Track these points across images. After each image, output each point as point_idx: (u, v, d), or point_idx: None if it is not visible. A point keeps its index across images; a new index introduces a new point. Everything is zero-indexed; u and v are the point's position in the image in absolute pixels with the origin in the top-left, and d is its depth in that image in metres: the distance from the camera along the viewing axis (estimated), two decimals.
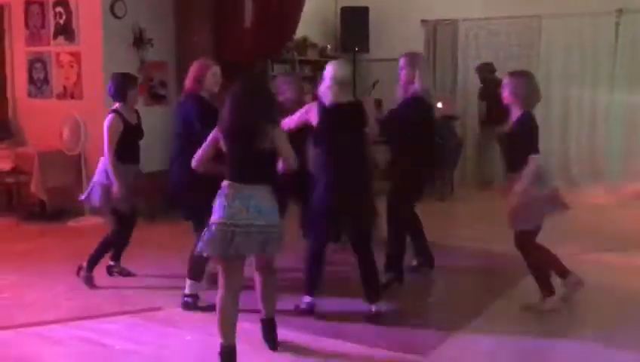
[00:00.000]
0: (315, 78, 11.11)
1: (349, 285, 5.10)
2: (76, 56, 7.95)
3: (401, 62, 5.30)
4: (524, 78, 4.72)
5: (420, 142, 5.18)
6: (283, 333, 4.21)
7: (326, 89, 4.64)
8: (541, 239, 4.75)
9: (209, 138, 3.96)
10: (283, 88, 5.62)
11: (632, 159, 9.38)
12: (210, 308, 4.18)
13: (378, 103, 9.07)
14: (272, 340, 4.15)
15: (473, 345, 4.27)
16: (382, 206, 5.11)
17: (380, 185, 5.49)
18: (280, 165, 3.95)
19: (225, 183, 3.81)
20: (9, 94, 8.60)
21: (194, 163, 4.01)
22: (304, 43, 10.67)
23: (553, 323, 4.58)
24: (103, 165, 5.27)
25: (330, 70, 4.66)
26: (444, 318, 4.78)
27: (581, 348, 4.18)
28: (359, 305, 4.68)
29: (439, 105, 8.15)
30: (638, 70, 9.40)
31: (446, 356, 4.10)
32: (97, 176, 5.31)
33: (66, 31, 7.99)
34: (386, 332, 4.42)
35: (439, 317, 4.89)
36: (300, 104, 5.26)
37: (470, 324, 4.55)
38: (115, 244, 5.50)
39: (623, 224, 7.63)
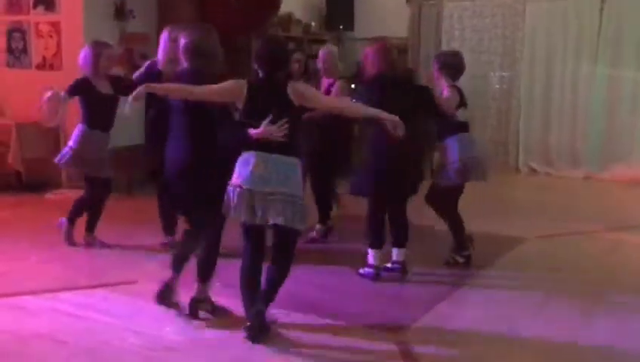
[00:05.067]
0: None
1: None
2: (56, 26, 7.83)
3: None
4: None
5: None
6: None
7: None
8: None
9: None
10: None
11: (612, 140, 9.55)
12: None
13: None
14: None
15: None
16: None
17: None
18: None
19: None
20: None
21: None
22: (289, 19, 10.58)
23: None
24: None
25: None
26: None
27: None
28: None
29: None
30: (620, 55, 9.46)
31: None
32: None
33: (45, 0, 7.86)
34: None
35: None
36: None
37: None
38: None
39: None
